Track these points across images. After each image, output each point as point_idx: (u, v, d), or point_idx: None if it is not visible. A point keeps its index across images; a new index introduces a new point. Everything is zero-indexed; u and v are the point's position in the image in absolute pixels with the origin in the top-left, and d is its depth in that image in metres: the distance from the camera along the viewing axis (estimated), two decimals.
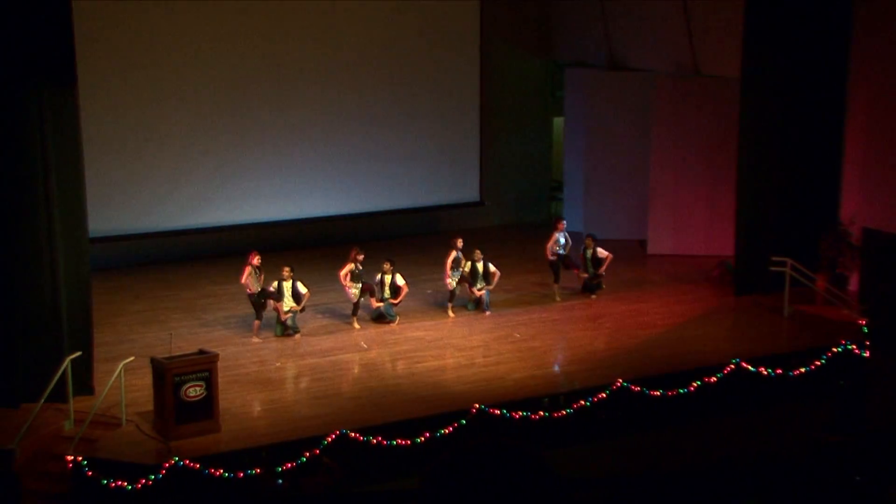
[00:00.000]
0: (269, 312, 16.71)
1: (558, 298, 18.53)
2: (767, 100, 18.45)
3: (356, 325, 17.06)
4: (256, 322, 16.54)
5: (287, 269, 16.67)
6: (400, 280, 17.20)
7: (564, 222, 18.91)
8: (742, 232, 18.87)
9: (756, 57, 18.29)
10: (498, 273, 17.80)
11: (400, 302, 17.25)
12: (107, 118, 19.31)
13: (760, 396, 15.45)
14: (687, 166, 21.30)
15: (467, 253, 17.74)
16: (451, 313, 17.66)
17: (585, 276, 18.63)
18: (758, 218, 18.71)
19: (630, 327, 17.26)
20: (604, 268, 18.54)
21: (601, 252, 18.52)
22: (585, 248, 18.66)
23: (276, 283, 16.56)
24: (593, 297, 18.62)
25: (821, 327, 16.93)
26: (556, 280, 18.58)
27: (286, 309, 16.50)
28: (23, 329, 13.90)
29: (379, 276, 17.22)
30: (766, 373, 15.51)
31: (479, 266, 17.68)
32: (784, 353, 15.99)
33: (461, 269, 17.59)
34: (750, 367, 15.45)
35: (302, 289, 16.59)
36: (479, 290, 17.71)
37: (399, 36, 22.04)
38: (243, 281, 16.39)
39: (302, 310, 16.68)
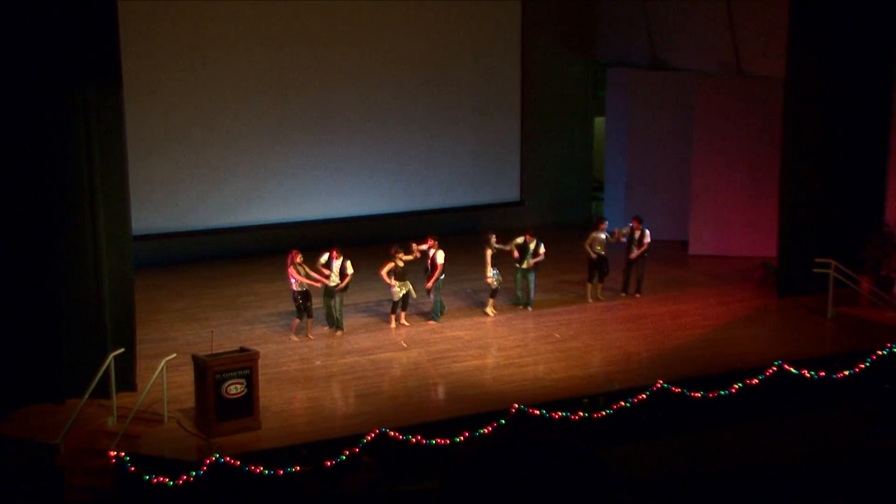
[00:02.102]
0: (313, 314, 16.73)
1: (600, 297, 18.45)
2: (811, 100, 18.26)
3: (396, 324, 17.07)
4: (296, 321, 16.60)
5: (336, 249, 16.67)
6: (439, 258, 17.14)
7: (606, 223, 18.82)
8: (785, 233, 18.69)
9: (801, 56, 18.10)
10: (542, 255, 17.69)
11: (433, 281, 17.12)
12: (150, 117, 19.48)
13: (803, 399, 15.29)
14: (729, 166, 21.13)
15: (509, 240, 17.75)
16: (490, 311, 17.63)
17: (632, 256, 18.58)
18: (801, 219, 18.52)
19: (671, 328, 17.15)
20: (635, 254, 18.45)
21: (647, 236, 18.46)
22: (633, 230, 18.59)
23: (326, 256, 16.56)
24: (634, 294, 18.54)
25: (865, 329, 16.74)
26: (590, 280, 18.50)
27: (332, 284, 16.50)
28: (67, 326, 14.08)
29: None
30: (808, 375, 15.34)
31: (531, 245, 17.63)
32: (827, 356, 15.83)
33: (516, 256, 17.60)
34: (792, 370, 15.29)
35: (349, 269, 16.60)
36: (524, 265, 17.67)
37: (441, 36, 22.06)
38: (299, 278, 16.27)
39: (345, 288, 16.63)
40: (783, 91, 18.46)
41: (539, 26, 23.44)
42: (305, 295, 16.35)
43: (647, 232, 18.53)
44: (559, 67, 24.38)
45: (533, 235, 17.77)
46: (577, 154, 25.08)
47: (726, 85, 21.21)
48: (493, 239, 17.63)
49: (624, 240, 18.68)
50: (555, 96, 24.41)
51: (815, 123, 18.35)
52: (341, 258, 16.61)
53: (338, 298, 16.61)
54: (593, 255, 18.35)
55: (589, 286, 18.48)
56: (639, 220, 18.77)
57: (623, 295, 18.63)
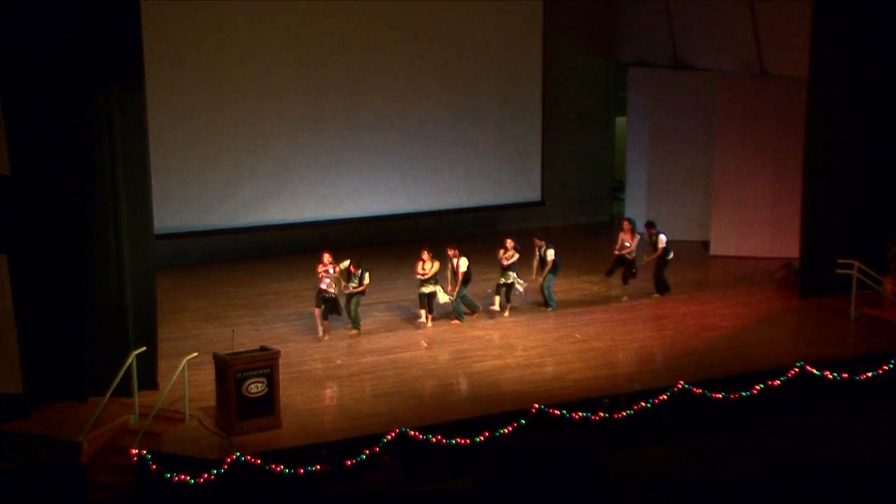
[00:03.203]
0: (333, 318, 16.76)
1: (625, 298, 18.42)
2: (835, 99, 18.14)
3: (425, 319, 17.12)
4: (325, 321, 16.59)
5: (353, 262, 16.68)
6: (462, 265, 17.16)
7: (628, 222, 18.70)
8: (808, 233, 18.58)
9: (824, 56, 17.98)
10: (549, 262, 17.68)
11: (456, 290, 17.12)
12: (172, 117, 19.57)
13: (825, 401, 15.20)
14: (751, 166, 21.03)
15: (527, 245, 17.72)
16: (503, 310, 17.65)
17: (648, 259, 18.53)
18: (824, 219, 18.41)
19: (692, 329, 17.09)
20: (652, 257, 18.39)
21: (661, 241, 18.39)
22: (650, 237, 18.55)
23: (346, 263, 16.56)
24: (656, 295, 18.52)
25: (888, 331, 16.61)
26: (610, 273, 18.48)
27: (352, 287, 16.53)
28: (90, 324, 14.17)
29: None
30: (831, 377, 15.25)
31: (541, 253, 17.65)
32: (850, 357, 15.73)
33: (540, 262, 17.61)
34: (815, 371, 15.21)
35: (365, 279, 16.62)
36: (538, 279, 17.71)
37: (463, 36, 22.05)
38: (329, 279, 16.33)
39: (357, 292, 16.57)
40: (806, 91, 18.35)
41: (560, 26, 23.39)
42: (332, 296, 16.38)
43: (662, 237, 18.42)
44: (580, 67, 24.32)
45: (541, 240, 17.73)
46: (599, 154, 25.01)
47: (749, 84, 21.11)
48: (510, 243, 17.53)
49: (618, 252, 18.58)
50: (576, 96, 24.35)
51: (838, 123, 18.22)
52: (359, 270, 16.61)
53: (355, 299, 16.63)
54: (620, 253, 18.34)
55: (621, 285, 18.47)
56: (651, 225, 18.74)
57: (656, 296, 18.56)
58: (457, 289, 17.08)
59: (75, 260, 14.02)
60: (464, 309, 17.33)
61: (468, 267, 17.09)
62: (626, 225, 18.58)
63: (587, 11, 24.15)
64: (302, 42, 20.65)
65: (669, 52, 22.98)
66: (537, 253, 17.74)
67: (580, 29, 24.14)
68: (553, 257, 17.61)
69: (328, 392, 14.73)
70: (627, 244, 18.37)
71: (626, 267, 18.46)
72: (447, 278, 17.18)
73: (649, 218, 20.17)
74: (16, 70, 12.93)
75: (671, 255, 18.53)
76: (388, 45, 21.37)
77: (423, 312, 17.15)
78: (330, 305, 16.43)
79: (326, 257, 16.37)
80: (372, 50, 21.25)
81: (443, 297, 17.05)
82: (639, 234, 18.52)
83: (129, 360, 13.63)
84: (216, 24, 20.04)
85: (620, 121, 24.81)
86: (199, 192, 20.28)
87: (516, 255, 17.35)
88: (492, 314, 17.60)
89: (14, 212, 13.25)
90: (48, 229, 13.83)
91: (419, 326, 17.07)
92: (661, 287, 18.61)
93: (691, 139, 22.26)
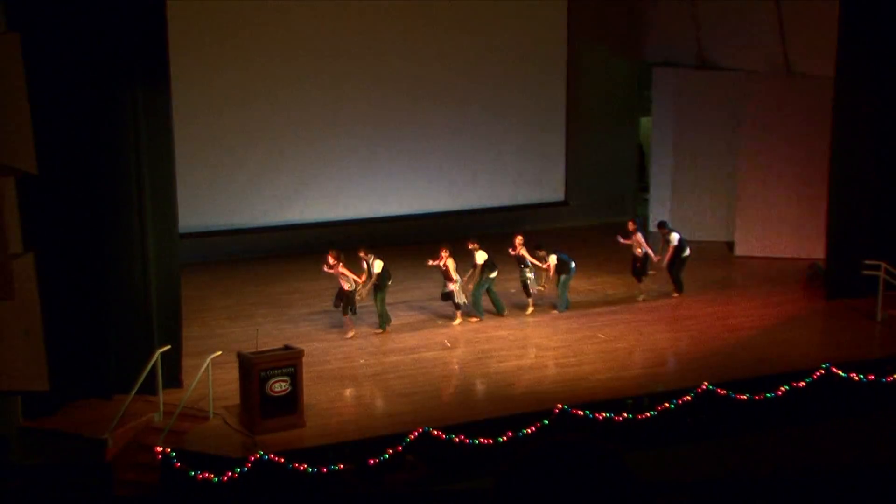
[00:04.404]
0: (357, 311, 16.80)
1: (642, 298, 18.37)
2: (862, 99, 18.00)
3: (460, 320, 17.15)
4: (346, 317, 16.63)
5: (363, 249, 16.71)
6: (478, 258, 17.16)
7: (632, 222, 18.57)
8: (834, 234, 18.45)
9: (851, 55, 17.85)
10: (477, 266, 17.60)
11: (474, 280, 17.13)
12: (198, 116, 19.66)
13: (851, 403, 15.09)
14: (777, 167, 20.91)
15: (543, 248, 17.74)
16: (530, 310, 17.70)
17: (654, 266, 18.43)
18: (851, 220, 18.28)
19: (716, 330, 17.01)
20: (663, 258, 18.32)
21: (673, 239, 18.29)
22: (662, 236, 18.47)
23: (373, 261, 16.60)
24: (674, 295, 18.44)
25: None
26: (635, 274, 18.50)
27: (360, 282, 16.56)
28: (115, 322, 14.25)
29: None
30: (857, 379, 15.14)
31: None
32: (877, 359, 15.61)
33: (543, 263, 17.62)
34: (840, 373, 15.11)
35: (375, 268, 16.58)
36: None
37: (487, 36, 22.04)
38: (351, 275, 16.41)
39: (371, 284, 16.59)
40: (833, 90, 18.23)
41: (585, 25, 23.33)
42: (347, 293, 16.43)
43: (675, 235, 18.31)
44: (605, 67, 24.24)
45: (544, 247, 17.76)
46: (623, 154, 24.93)
47: (775, 84, 20.99)
48: (519, 239, 17.58)
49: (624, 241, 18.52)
50: (600, 96, 24.28)
51: (865, 123, 18.09)
52: (370, 257, 16.63)
53: (378, 297, 16.65)
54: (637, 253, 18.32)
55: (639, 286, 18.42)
56: (663, 225, 18.76)
57: (675, 295, 18.49)
58: (472, 283, 17.09)
59: (101, 258, 14.11)
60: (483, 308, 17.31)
61: (485, 261, 17.10)
62: (630, 226, 18.44)
63: (612, 11, 24.07)
64: (327, 42, 20.70)
65: (694, 51, 22.87)
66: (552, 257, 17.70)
67: (605, 28, 24.06)
68: (482, 260, 17.44)
69: (351, 391, 14.75)
70: (638, 246, 18.26)
71: (637, 266, 18.35)
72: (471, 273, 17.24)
73: (673, 218, 20.09)
74: (43, 71, 13.00)
75: (687, 253, 18.40)
76: (413, 45, 21.39)
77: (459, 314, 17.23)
78: (346, 302, 16.46)
79: (330, 258, 16.39)
80: (397, 50, 21.27)
81: (459, 298, 17.06)
82: (639, 233, 18.34)
83: (154, 359, 13.70)
84: (241, 23, 20.11)
85: (645, 121, 24.72)
86: (224, 192, 20.38)
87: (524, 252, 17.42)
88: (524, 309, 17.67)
89: (41, 210, 13.34)
90: (75, 228, 13.92)
91: (446, 326, 17.09)
92: (679, 286, 18.53)
93: (716, 139, 22.16)
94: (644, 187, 24.74)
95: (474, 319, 17.27)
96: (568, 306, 17.82)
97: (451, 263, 16.90)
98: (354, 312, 16.63)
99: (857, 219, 18.28)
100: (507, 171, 22.59)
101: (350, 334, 16.55)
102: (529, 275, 17.53)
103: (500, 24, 22.12)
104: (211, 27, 19.90)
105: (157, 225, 14.33)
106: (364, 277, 16.59)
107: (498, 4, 22.00)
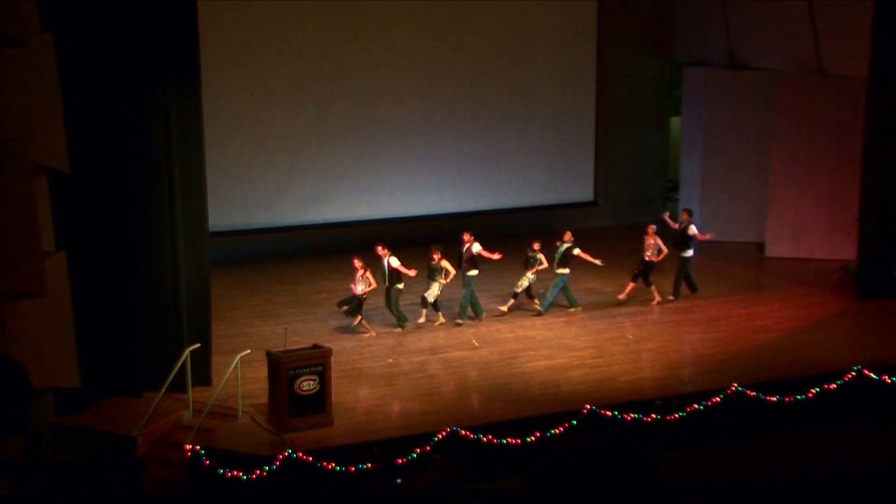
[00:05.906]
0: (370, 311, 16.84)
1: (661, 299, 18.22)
2: (895, 100, 17.84)
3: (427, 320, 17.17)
4: (364, 322, 16.67)
5: (380, 246, 16.74)
6: (475, 248, 17.17)
7: (651, 226, 18.44)
8: (866, 235, 18.31)
9: (885, 56, 17.70)
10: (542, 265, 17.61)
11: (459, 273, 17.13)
12: (228, 115, 19.77)
13: (883, 405, 14.96)
14: (808, 167, 20.76)
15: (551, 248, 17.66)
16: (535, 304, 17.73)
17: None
18: (883, 221, 18.13)
19: (747, 331, 16.91)
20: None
21: (692, 229, 18.16)
22: (681, 223, 18.34)
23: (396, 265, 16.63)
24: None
25: None
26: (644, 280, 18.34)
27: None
28: (145, 321, 14.35)
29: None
30: (889, 381, 15.01)
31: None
32: None
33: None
34: (872, 375, 14.98)
35: (392, 264, 16.63)
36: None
37: (516, 35, 22.03)
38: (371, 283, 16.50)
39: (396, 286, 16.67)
40: (865, 91, 18.08)
41: (615, 25, 23.28)
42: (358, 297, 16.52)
43: (693, 227, 18.16)
44: (635, 66, 24.17)
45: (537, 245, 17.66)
46: (652, 154, 24.83)
47: (806, 84, 20.84)
48: (536, 245, 17.53)
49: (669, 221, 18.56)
50: (630, 96, 24.20)
51: None
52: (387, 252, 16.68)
53: (393, 296, 16.68)
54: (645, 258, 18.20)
55: (651, 288, 18.27)
56: (688, 211, 18.76)
57: (671, 298, 18.37)
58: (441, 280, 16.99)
59: (132, 257, 14.20)
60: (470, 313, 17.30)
61: (479, 251, 17.15)
62: (650, 229, 18.28)
63: (642, 10, 23.99)
64: (357, 42, 20.74)
65: (725, 51, 22.75)
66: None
67: (635, 28, 23.99)
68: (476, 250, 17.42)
69: (379, 390, 14.78)
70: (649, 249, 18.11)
71: (647, 269, 18.17)
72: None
73: (703, 218, 19.93)
74: (76, 70, 13.12)
75: (690, 252, 18.18)
76: (442, 46, 21.40)
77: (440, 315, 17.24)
78: (353, 307, 16.51)
79: (356, 263, 16.43)
80: (427, 50, 21.30)
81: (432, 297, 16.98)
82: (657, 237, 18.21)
83: (184, 357, 13.78)
84: (271, 25, 20.20)
85: (675, 120, 24.62)
86: (254, 191, 20.47)
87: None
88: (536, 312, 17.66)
89: (73, 209, 13.46)
90: (106, 227, 14.02)
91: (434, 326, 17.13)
92: (691, 285, 18.37)
93: (747, 139, 22.03)
94: (673, 187, 24.63)
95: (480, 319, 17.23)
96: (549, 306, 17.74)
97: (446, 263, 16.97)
98: (354, 315, 16.64)
99: (889, 220, 18.12)
100: (536, 170, 22.55)
101: (369, 334, 16.58)
102: (532, 277, 17.45)
103: (529, 23, 22.09)
104: (242, 28, 19.98)
105: (188, 224, 14.42)
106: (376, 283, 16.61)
107: (527, 4, 21.98)
